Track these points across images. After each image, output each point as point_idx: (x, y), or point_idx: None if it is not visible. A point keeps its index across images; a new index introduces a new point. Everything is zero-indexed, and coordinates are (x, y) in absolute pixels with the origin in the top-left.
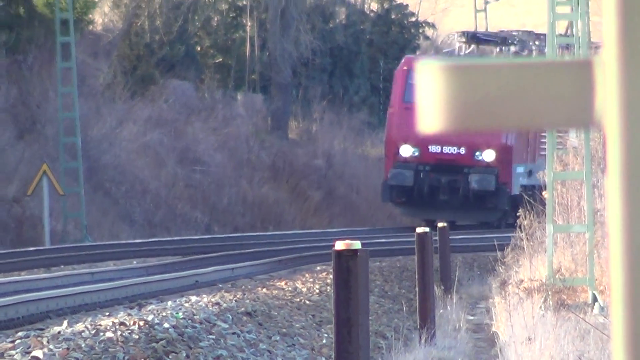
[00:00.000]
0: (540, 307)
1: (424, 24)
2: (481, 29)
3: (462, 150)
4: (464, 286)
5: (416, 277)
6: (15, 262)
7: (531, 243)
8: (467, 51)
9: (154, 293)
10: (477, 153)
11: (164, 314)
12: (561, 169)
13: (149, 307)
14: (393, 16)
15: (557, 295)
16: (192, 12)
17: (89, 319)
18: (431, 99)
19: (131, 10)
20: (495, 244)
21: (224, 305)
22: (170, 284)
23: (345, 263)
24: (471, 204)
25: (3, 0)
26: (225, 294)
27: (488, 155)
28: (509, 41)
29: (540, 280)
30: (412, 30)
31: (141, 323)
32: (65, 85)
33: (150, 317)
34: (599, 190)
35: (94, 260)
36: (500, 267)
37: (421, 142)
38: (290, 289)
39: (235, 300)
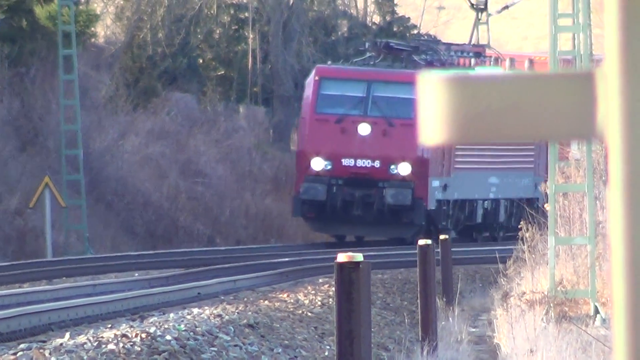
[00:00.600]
0: (542, 319)
1: (425, 37)
2: (483, 41)
3: (377, 164)
4: (466, 298)
5: (418, 289)
6: (18, 274)
7: (533, 255)
8: (377, 60)
9: (156, 305)
10: (392, 166)
11: (166, 326)
12: (563, 181)
13: (151, 319)
14: (395, 29)
15: (559, 307)
16: (194, 25)
17: (91, 331)
18: (433, 111)
19: (133, 23)
20: (497, 256)
21: (226, 317)
22: (172, 296)
23: (347, 275)
24: (386, 219)
25: (6, 12)
26: (228, 306)
27: (403, 169)
28: (421, 50)
29: (542, 292)
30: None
31: (143, 335)
32: (67, 97)
33: (152, 329)
34: (600, 202)
35: (96, 273)
36: (502, 279)
37: (334, 155)
38: (292, 301)
39: (238, 312)
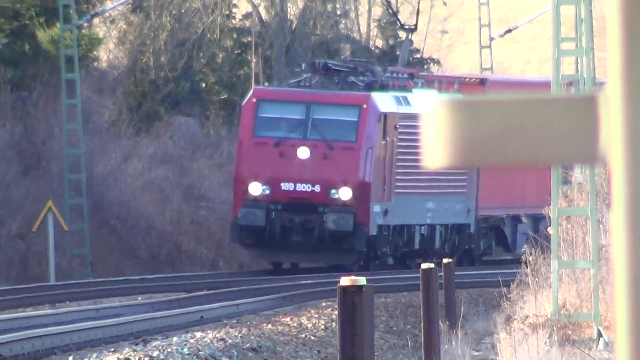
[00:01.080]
0: (546, 342)
1: (429, 61)
2: (486, 65)
3: (317, 188)
4: (469, 322)
5: (421, 312)
6: (20, 298)
7: (536, 279)
8: (313, 81)
9: (160, 329)
10: (333, 191)
11: (169, 350)
12: (566, 204)
13: (154, 343)
14: (397, 52)
15: (562, 330)
16: (197, 49)
17: (94, 355)
18: (435, 135)
19: (136, 47)
20: (500, 279)
21: (229, 341)
22: (175, 320)
23: (350, 299)
24: (326, 245)
25: (8, 37)
26: (231, 330)
27: (344, 194)
28: (359, 71)
29: (546, 315)
30: (417, 67)
31: (146, 359)
32: (70, 122)
33: (155, 353)
34: (604, 226)
35: (99, 297)
36: (505, 303)
37: (272, 180)
38: (295, 324)
39: (241, 336)
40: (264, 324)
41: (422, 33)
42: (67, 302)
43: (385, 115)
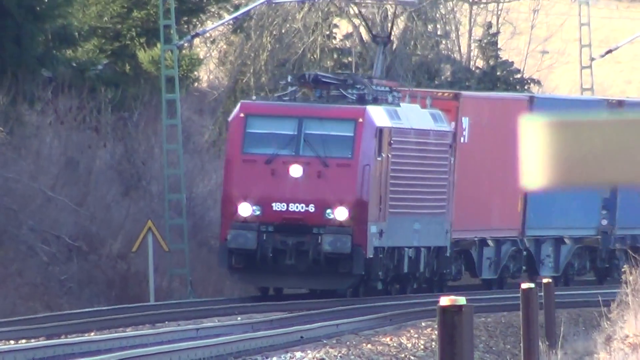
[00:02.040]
0: None
1: (529, 81)
2: (586, 85)
3: (311, 208)
4: (568, 342)
5: (521, 332)
6: (121, 318)
7: (637, 299)
8: (298, 94)
9: (259, 349)
10: (328, 211)
11: None
12: None
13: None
14: (498, 73)
15: None
16: (298, 69)
17: None
18: (536, 155)
19: (237, 68)
20: (600, 299)
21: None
22: (275, 340)
23: (450, 319)
24: (321, 268)
25: (109, 57)
26: (330, 350)
27: (340, 214)
28: (348, 83)
29: None
30: (518, 87)
31: None
32: (170, 142)
33: None
34: None
35: (199, 317)
36: (605, 323)
37: (263, 200)
38: (395, 344)
39: (340, 356)
40: (364, 344)
41: (522, 53)
42: (166, 322)
43: (381, 130)
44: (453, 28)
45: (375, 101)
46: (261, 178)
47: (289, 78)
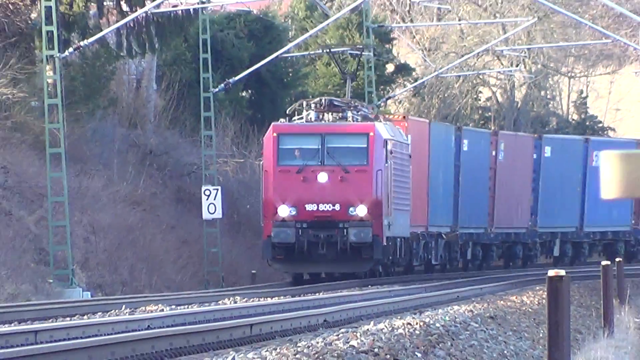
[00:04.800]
0: None
1: (608, 128)
2: None
3: (337, 207)
4: (632, 299)
5: (601, 293)
6: (341, 283)
7: None
8: (312, 117)
9: (430, 304)
10: (351, 209)
11: (436, 317)
12: None
13: (426, 313)
14: (587, 123)
15: None
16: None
17: (387, 321)
18: (611, 175)
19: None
20: None
21: (476, 312)
22: (440, 298)
23: (555, 284)
24: (347, 256)
25: None
26: (477, 305)
27: (361, 211)
28: (352, 106)
29: None
30: (600, 133)
31: (421, 323)
32: None
33: (427, 319)
34: None
35: (391, 282)
36: None
37: (298, 202)
38: (519, 301)
39: (483, 309)
40: (498, 301)
41: (603, 110)
42: (369, 286)
43: (386, 141)
44: (557, 93)
45: (376, 118)
46: (294, 184)
47: (304, 104)
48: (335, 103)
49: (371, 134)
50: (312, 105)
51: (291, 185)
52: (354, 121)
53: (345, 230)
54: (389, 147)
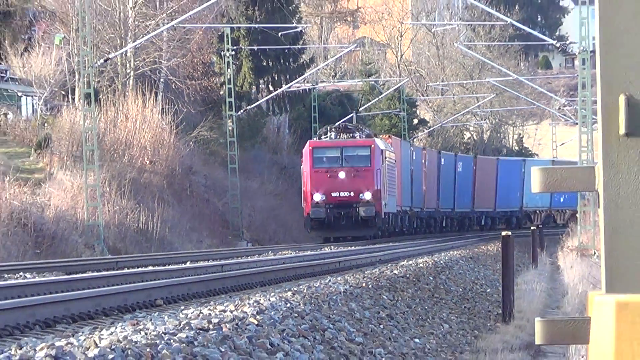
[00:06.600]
0: (576, 255)
1: (534, 154)
2: None
3: (352, 194)
4: (548, 248)
5: (531, 245)
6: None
7: (573, 229)
8: (333, 136)
9: (437, 250)
10: (361, 195)
11: (440, 257)
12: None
13: (435, 255)
14: (522, 151)
15: (581, 251)
16: None
17: (413, 259)
18: (535, 180)
19: None
20: (561, 231)
21: (462, 255)
22: (443, 247)
23: (506, 240)
24: (359, 225)
25: None
26: (462, 251)
27: (367, 195)
28: (359, 129)
29: (575, 246)
30: (530, 156)
31: (432, 261)
32: None
33: (435, 259)
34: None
35: (416, 234)
36: (561, 240)
37: (326, 191)
38: (486, 249)
39: (464, 255)
40: (474, 249)
41: (531, 144)
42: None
43: (382, 151)
44: (507, 135)
45: (375, 136)
46: (324, 180)
47: (327, 127)
48: (349, 127)
49: (372, 146)
50: (334, 129)
51: (322, 181)
52: (360, 138)
53: (357, 208)
54: (384, 154)
